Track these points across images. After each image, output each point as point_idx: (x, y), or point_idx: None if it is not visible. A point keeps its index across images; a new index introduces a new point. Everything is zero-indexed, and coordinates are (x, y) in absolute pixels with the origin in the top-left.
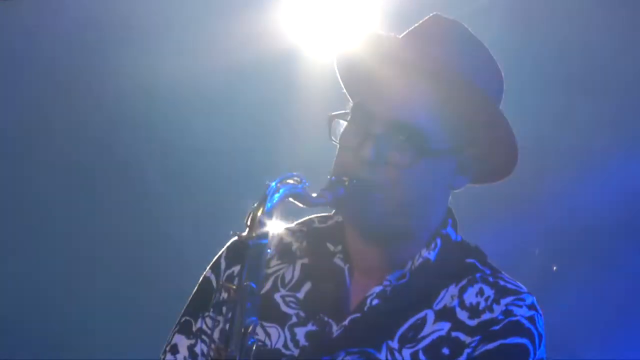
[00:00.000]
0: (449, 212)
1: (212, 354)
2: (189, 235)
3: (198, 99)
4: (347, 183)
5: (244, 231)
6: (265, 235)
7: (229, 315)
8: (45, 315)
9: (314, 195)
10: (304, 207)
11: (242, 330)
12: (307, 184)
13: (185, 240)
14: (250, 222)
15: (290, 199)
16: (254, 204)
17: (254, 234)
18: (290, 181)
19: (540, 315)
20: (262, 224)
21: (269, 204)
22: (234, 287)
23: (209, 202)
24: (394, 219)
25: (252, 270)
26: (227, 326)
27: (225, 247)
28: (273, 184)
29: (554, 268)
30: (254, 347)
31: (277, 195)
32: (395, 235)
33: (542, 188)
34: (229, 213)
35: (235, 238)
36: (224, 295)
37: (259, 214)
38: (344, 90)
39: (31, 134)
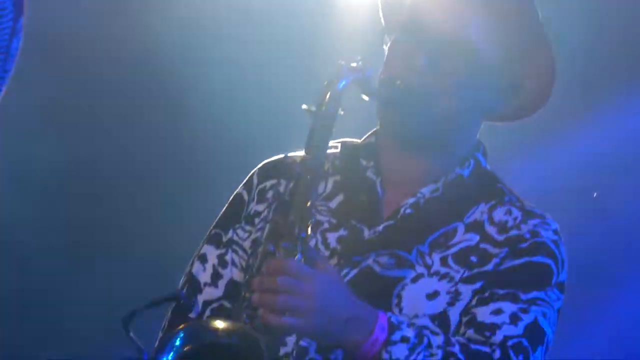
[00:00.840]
0: (480, 141)
1: (268, 226)
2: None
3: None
4: (398, 85)
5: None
6: (336, 108)
7: (292, 186)
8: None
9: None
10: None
11: (306, 203)
12: (371, 72)
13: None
14: (322, 97)
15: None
16: (325, 82)
17: (324, 108)
18: (354, 65)
19: (563, 243)
20: (335, 100)
21: (341, 83)
22: (301, 157)
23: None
24: (437, 127)
25: (321, 137)
26: (288, 198)
27: (257, 167)
28: (343, 63)
29: (595, 194)
30: (310, 223)
31: (344, 81)
32: (434, 145)
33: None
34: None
35: (267, 160)
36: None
37: (332, 90)
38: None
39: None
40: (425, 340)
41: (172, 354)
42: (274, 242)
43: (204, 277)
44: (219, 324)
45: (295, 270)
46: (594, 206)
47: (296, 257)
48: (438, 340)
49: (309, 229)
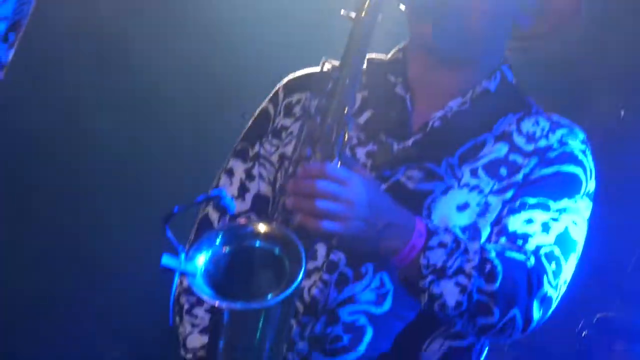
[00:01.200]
0: (506, 57)
1: (305, 129)
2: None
3: None
4: None
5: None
6: (376, 14)
7: (329, 90)
8: None
9: None
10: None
11: (344, 108)
12: None
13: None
14: (362, 2)
15: None
16: None
17: (364, 13)
18: None
19: (591, 152)
20: (375, 5)
21: None
22: (340, 63)
23: None
24: (469, 39)
25: (360, 44)
26: (324, 102)
27: (282, 82)
28: None
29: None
30: (347, 126)
31: None
32: (464, 58)
33: None
34: None
35: (292, 75)
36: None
37: None
38: None
39: None
40: (463, 245)
41: (210, 252)
42: (310, 146)
43: (231, 190)
44: (261, 226)
45: (335, 174)
46: None
47: (333, 161)
48: (475, 245)
49: (347, 135)
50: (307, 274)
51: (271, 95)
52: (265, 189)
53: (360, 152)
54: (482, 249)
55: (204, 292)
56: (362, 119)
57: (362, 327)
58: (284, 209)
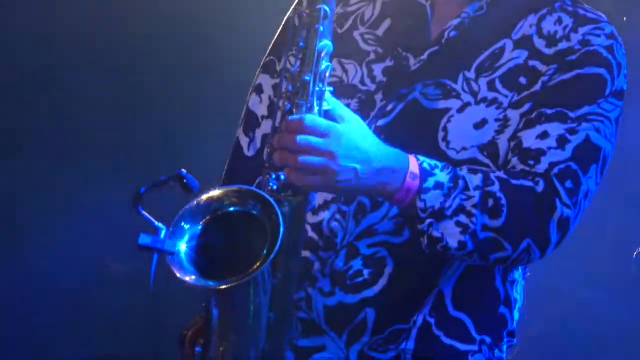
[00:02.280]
0: None
1: (284, 81)
2: None
3: None
4: None
5: None
6: None
7: (301, 40)
8: None
9: None
10: None
11: (316, 54)
12: None
13: None
14: None
15: None
16: None
17: None
18: None
19: (621, 45)
20: None
21: None
22: (307, 11)
23: None
24: None
25: None
26: (301, 53)
27: None
28: None
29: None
30: (328, 73)
31: None
32: None
33: None
34: None
35: None
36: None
37: None
38: None
39: None
40: (461, 183)
41: (188, 228)
42: (289, 100)
43: (261, 109)
44: (233, 193)
45: (314, 126)
46: None
47: (315, 112)
48: (476, 180)
49: (326, 82)
50: (325, 205)
51: (295, 3)
52: None
53: (377, 69)
54: (485, 182)
55: (186, 270)
56: (381, 30)
57: (383, 259)
58: (274, 164)
